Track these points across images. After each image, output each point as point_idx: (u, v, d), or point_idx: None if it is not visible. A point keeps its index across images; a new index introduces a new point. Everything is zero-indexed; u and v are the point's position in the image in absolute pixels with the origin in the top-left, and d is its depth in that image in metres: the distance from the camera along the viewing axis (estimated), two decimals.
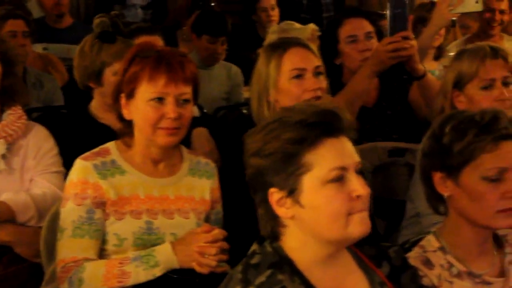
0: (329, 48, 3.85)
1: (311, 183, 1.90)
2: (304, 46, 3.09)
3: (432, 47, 5.27)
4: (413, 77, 3.67)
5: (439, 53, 5.47)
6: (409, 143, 3.55)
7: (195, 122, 3.29)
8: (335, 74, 3.83)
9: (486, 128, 2.21)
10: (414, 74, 3.63)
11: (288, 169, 1.91)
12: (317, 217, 1.91)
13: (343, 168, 1.91)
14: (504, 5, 5.80)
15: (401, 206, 3.25)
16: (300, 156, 1.90)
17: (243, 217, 2.70)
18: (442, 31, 5.32)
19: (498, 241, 2.35)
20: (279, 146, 1.91)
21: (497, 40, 5.76)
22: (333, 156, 1.91)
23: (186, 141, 3.10)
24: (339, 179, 1.91)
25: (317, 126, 1.91)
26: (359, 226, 1.91)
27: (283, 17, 6.84)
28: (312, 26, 4.90)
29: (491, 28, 5.76)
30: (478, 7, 3.83)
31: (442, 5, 3.86)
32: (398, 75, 3.90)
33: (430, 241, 2.31)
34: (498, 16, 5.76)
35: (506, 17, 5.83)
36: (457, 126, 2.24)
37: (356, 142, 3.47)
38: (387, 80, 3.86)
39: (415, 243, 2.34)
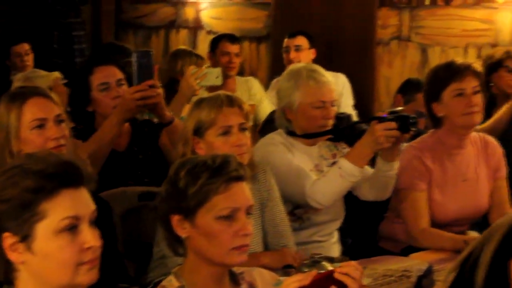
0: (80, 95, 3.90)
1: (44, 231, 1.94)
2: (43, 95, 3.09)
3: None
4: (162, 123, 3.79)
5: None
6: (159, 187, 3.63)
7: None
8: (88, 121, 3.87)
9: (218, 171, 2.35)
10: (162, 121, 3.76)
11: (23, 215, 1.93)
12: (47, 264, 1.94)
13: (76, 218, 1.96)
14: (237, 49, 6.08)
15: (150, 249, 3.34)
16: (36, 205, 1.93)
17: None
18: None
19: (235, 279, 2.47)
20: (16, 193, 1.94)
21: (233, 82, 6.03)
22: (67, 206, 1.95)
23: None
24: (71, 228, 1.95)
25: (56, 177, 1.95)
26: (87, 275, 1.97)
27: (37, 63, 6.80)
28: (56, 74, 4.92)
29: (229, 70, 5.99)
30: (218, 82, 4.29)
31: (190, 78, 4.20)
32: (149, 121, 4.01)
33: (171, 281, 2.40)
34: (234, 59, 6.03)
35: (239, 60, 6.12)
36: (191, 170, 2.36)
37: (108, 186, 3.53)
38: (138, 125, 3.95)
39: (157, 284, 2.42)
